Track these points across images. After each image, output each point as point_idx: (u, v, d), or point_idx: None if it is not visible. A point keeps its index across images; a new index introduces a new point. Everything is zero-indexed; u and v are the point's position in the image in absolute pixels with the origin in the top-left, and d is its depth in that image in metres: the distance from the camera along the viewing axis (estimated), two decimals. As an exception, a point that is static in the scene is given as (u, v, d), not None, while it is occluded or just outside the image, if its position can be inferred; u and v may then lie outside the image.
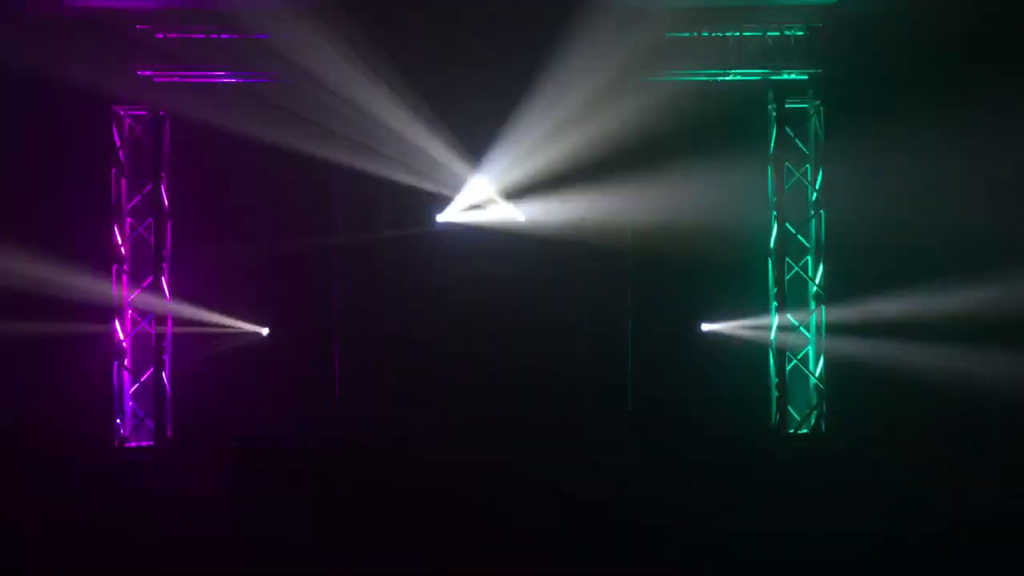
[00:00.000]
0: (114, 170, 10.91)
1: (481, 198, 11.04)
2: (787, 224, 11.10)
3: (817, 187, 11.08)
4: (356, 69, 10.47)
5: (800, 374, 11.19)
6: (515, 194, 11.02)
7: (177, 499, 9.66)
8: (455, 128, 10.85)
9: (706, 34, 10.87)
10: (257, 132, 10.84)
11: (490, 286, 10.96)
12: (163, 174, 11.01)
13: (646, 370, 11.03)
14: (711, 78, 11.02)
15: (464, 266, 11.05)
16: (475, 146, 10.92)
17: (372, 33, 10.46)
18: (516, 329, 11.03)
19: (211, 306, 10.91)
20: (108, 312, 10.83)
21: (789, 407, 11.10)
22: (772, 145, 11.12)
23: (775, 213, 11.13)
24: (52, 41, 10.58)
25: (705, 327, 10.94)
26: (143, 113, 10.97)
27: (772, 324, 11.13)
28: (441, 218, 11.10)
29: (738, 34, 10.91)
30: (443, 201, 11.14)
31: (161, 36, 10.84)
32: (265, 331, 11.00)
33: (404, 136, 10.77)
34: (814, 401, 11.15)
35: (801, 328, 11.16)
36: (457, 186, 11.04)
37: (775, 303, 11.12)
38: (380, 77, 10.58)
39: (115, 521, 9.10)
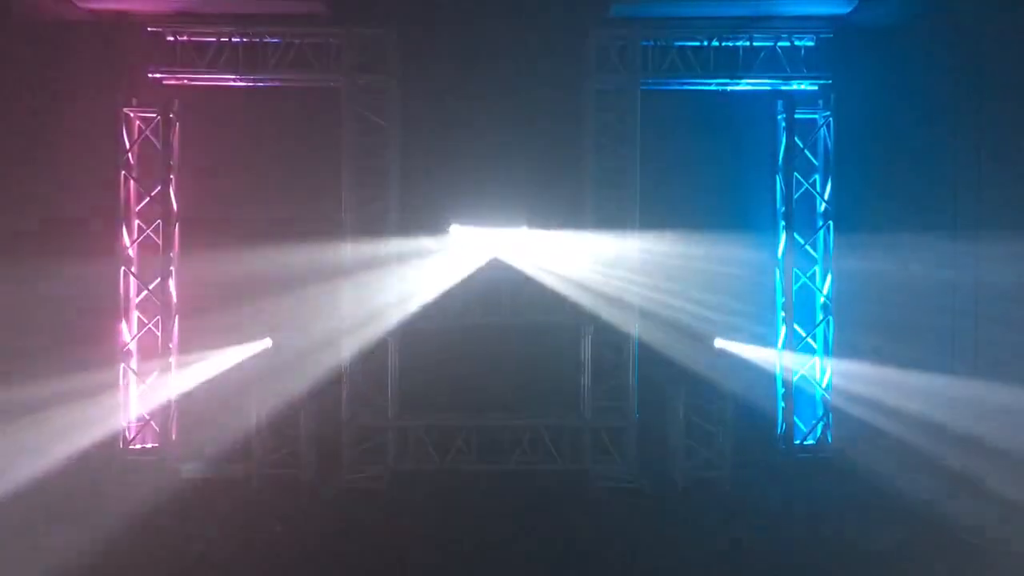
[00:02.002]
0: (123, 172, 10.92)
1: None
2: (795, 234, 11.09)
3: (826, 198, 11.07)
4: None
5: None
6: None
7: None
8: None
9: (717, 43, 10.90)
10: (267, 134, 10.92)
11: (504, 288, 10.98)
12: (172, 176, 11.01)
13: (652, 379, 10.99)
14: (721, 87, 11.03)
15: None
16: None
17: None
18: (524, 334, 11.02)
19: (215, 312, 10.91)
20: (115, 313, 10.87)
21: (795, 417, 11.09)
22: (781, 155, 11.12)
23: (783, 223, 11.12)
24: (63, 43, 10.62)
25: (718, 343, 10.91)
26: (153, 115, 10.97)
27: (779, 334, 11.12)
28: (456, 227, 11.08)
29: (748, 44, 10.94)
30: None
31: (172, 39, 10.89)
32: (269, 342, 10.99)
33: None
34: (820, 412, 11.13)
35: (808, 337, 11.15)
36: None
37: (783, 313, 11.11)
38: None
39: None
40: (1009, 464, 8.70)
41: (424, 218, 11.03)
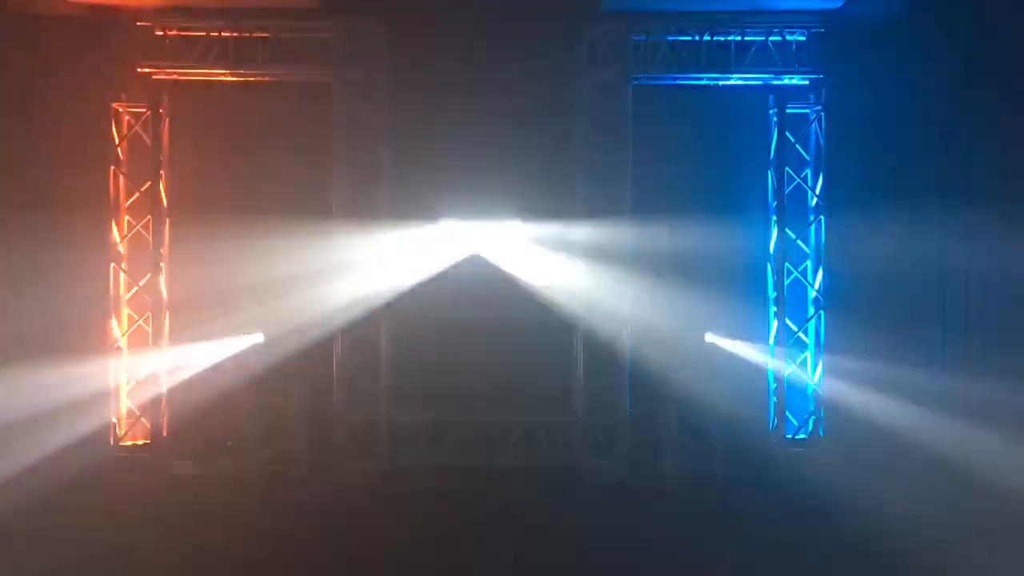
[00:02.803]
0: (113, 167, 10.86)
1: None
2: (787, 229, 11.09)
3: (818, 192, 11.08)
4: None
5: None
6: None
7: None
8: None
9: (708, 38, 10.90)
10: (257, 130, 10.87)
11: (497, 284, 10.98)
12: (162, 172, 10.94)
13: (644, 375, 10.99)
14: (713, 82, 11.03)
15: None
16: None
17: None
18: (517, 329, 11.01)
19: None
20: (105, 309, 10.80)
21: (787, 412, 11.11)
22: (773, 150, 11.11)
23: (775, 218, 11.12)
24: (51, 36, 10.56)
25: (708, 337, 10.92)
26: (142, 110, 10.90)
27: (771, 329, 11.13)
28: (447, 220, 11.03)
29: (740, 38, 10.94)
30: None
31: (161, 33, 10.83)
32: (260, 337, 10.96)
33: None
34: (812, 406, 11.15)
35: (800, 332, 11.16)
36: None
37: (774, 308, 11.11)
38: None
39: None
40: (999, 456, 8.73)
41: (415, 212, 10.99)
